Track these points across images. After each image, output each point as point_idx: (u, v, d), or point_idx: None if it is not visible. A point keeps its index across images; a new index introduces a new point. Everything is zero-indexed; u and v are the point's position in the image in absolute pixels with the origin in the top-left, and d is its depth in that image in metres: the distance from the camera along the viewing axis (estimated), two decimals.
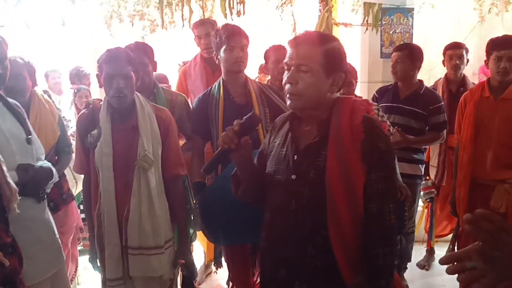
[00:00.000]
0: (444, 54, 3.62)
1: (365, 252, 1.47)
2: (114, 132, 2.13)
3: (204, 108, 2.49)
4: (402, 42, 3.92)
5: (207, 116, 2.47)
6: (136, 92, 2.19)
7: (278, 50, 3.07)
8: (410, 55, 3.16)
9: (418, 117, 3.18)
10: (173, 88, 3.74)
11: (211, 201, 2.23)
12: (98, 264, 2.26)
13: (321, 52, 1.46)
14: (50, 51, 7.04)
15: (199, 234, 3.62)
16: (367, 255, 1.46)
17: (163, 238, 2.16)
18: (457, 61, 3.52)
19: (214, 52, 2.52)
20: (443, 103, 3.29)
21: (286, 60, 1.51)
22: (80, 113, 2.30)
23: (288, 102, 1.52)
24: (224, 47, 2.41)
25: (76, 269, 3.21)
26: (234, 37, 2.40)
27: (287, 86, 1.50)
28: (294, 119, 1.59)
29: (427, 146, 3.58)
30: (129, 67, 2.08)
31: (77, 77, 4.88)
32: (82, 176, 3.16)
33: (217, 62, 2.53)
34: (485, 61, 2.81)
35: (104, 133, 2.11)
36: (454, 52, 3.54)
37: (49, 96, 2.98)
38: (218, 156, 1.55)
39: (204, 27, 3.22)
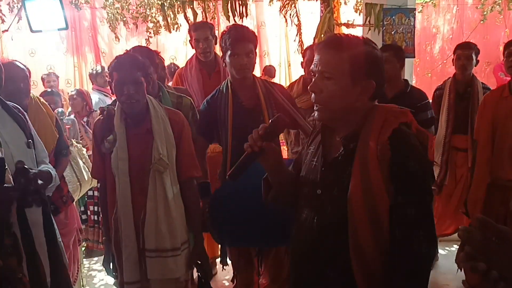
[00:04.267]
0: (454, 53, 3.63)
1: (388, 283, 1.31)
2: (129, 137, 2.16)
3: (213, 111, 2.48)
4: (404, 42, 3.93)
5: (215, 118, 2.47)
6: (149, 96, 2.21)
7: (311, 49, 3.05)
8: (396, 55, 3.21)
9: None
10: None
11: (221, 205, 2.25)
12: (111, 267, 2.30)
13: (347, 58, 1.33)
14: (54, 54, 7.07)
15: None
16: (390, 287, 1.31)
17: (179, 240, 2.19)
18: (465, 62, 3.53)
19: (221, 55, 2.47)
20: (429, 100, 3.33)
21: (312, 66, 1.41)
22: (96, 119, 2.34)
23: (315, 113, 1.42)
24: (229, 53, 2.36)
25: (78, 271, 3.24)
26: (239, 43, 2.34)
27: (312, 95, 1.40)
28: (326, 128, 1.47)
29: None
30: (138, 72, 2.11)
31: (93, 77, 4.93)
32: (86, 179, 3.23)
33: (224, 65, 2.51)
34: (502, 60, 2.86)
35: (119, 138, 2.14)
36: (463, 52, 3.53)
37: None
38: (244, 161, 1.47)
39: (203, 31, 3.19)
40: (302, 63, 3.42)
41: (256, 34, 2.58)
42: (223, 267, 2.78)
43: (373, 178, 1.29)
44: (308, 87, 1.41)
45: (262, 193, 1.62)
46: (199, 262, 2.27)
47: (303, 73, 3.42)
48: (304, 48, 3.32)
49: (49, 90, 4.11)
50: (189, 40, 3.33)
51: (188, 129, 2.31)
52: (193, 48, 3.30)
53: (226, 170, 2.45)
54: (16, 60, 2.61)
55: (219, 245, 3.07)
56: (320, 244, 1.39)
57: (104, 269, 2.37)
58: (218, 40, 3.34)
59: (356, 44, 1.37)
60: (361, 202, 1.30)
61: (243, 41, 2.35)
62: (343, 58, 1.33)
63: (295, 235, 1.50)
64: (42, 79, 5.21)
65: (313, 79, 1.39)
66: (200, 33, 3.19)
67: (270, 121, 1.49)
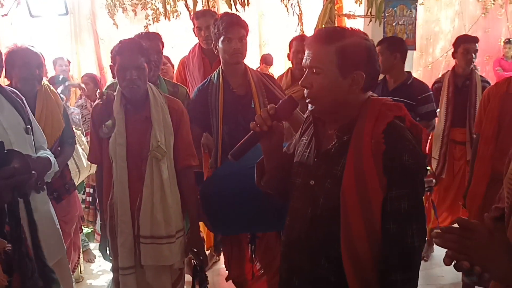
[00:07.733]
0: (457, 46, 3.58)
1: (382, 277, 1.32)
2: (128, 123, 2.16)
3: (204, 98, 2.49)
4: (405, 34, 3.92)
5: (206, 106, 2.48)
6: (149, 83, 2.22)
7: (299, 40, 3.15)
8: (389, 47, 3.22)
9: (407, 108, 3.20)
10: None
11: (212, 192, 2.26)
12: (108, 252, 2.31)
13: (334, 51, 1.32)
14: (54, 40, 7.02)
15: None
16: (384, 280, 1.32)
17: (174, 228, 2.20)
18: (473, 56, 3.51)
19: (213, 42, 2.49)
20: (431, 92, 3.33)
21: (303, 61, 1.42)
22: (94, 104, 2.33)
23: (309, 106, 1.43)
24: (222, 38, 2.38)
25: (78, 258, 3.25)
26: (232, 28, 2.37)
27: (305, 90, 1.41)
28: (318, 119, 1.47)
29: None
30: (141, 58, 2.11)
31: None
32: (85, 165, 3.23)
33: (216, 52, 2.52)
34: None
35: (118, 124, 2.14)
36: (471, 46, 3.50)
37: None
38: (248, 140, 1.44)
39: (205, 19, 3.20)
40: (288, 55, 3.44)
41: (257, 23, 2.58)
42: (217, 255, 2.79)
43: (367, 171, 1.30)
44: (299, 82, 1.41)
45: (255, 178, 1.62)
46: (195, 250, 2.29)
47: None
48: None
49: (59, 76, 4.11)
50: (192, 28, 3.34)
51: (187, 117, 2.31)
52: (196, 36, 3.30)
53: (217, 158, 2.46)
54: (31, 46, 2.58)
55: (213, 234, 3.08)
56: (313, 234, 1.41)
57: (101, 254, 2.38)
58: None
59: (343, 36, 1.35)
60: (355, 195, 1.31)
61: (236, 25, 2.38)
62: (330, 51, 1.33)
63: (289, 224, 1.51)
64: (54, 62, 5.20)
65: (305, 74, 1.39)
66: (203, 20, 3.20)
67: (280, 101, 1.47)
